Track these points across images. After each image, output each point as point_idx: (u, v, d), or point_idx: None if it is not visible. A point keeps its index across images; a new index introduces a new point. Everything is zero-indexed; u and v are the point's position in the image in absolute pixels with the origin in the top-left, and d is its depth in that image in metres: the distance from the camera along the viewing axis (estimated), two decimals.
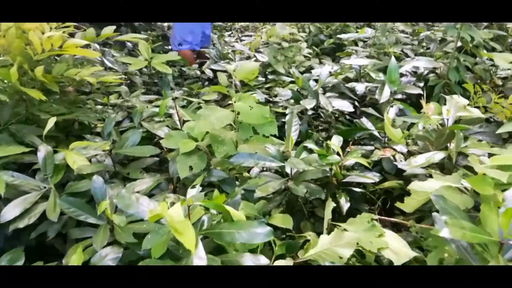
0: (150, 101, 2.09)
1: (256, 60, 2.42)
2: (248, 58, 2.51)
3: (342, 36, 2.53)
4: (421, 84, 1.81)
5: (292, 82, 2.13)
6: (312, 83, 1.86)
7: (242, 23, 4.63)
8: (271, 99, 1.96)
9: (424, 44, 2.46)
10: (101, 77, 1.93)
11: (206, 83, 2.72)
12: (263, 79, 2.26)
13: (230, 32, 4.42)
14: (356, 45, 2.60)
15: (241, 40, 3.84)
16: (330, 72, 1.88)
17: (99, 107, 2.02)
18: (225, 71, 2.24)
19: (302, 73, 2.41)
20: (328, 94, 1.77)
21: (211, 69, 2.69)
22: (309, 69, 2.56)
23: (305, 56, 2.64)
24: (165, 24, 4.05)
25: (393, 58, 1.66)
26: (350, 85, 1.81)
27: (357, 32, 3.12)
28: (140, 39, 2.16)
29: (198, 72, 2.78)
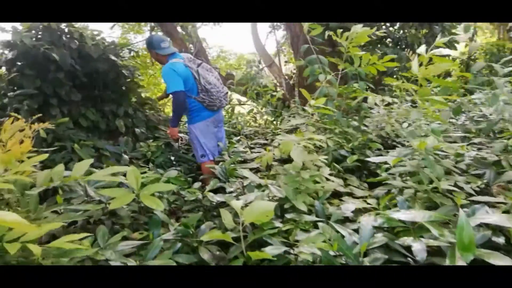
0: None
1: (271, 198, 1.98)
2: (259, 186, 2.08)
3: (373, 159, 2.12)
4: (501, 240, 1.31)
5: (316, 224, 1.65)
6: (348, 237, 1.38)
7: (250, 128, 4.36)
8: (291, 251, 1.47)
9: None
10: None
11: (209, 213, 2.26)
12: (279, 217, 1.79)
13: (237, 138, 4.11)
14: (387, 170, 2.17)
15: (250, 148, 3.48)
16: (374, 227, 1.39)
17: None
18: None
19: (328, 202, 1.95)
20: (373, 255, 1.27)
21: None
22: (334, 195, 2.11)
23: (327, 179, 2.20)
24: None
25: (461, 213, 1.19)
26: (402, 240, 1.32)
27: (384, 149, 2.73)
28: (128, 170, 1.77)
29: (200, 195, 2.32)
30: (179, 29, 8.72)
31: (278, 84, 8.35)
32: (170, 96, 3.57)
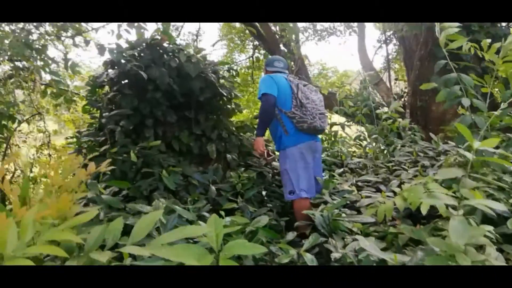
0: None
1: None
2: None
3: None
4: None
5: None
6: None
7: (357, 159, 3.73)
8: None
9: None
10: None
11: None
12: None
13: (340, 170, 3.52)
14: None
15: (357, 187, 2.88)
16: None
17: None
18: None
19: None
20: None
21: None
22: None
23: None
24: None
25: None
26: None
27: None
28: None
29: (295, 254, 1.83)
30: (281, 46, 8.52)
31: (385, 104, 7.52)
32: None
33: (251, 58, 11.53)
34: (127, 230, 1.32)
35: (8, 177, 9.33)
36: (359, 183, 2.99)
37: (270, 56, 3.42)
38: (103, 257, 0.99)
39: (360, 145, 4.38)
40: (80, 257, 1.06)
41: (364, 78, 8.17)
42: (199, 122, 3.38)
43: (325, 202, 2.51)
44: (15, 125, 9.07)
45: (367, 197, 2.59)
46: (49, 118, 11.00)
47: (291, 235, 2.08)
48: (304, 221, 2.30)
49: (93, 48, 10.71)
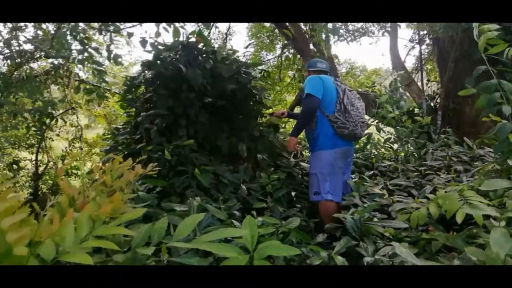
0: None
1: None
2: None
3: None
4: None
5: None
6: None
7: (387, 162, 3.69)
8: None
9: None
10: None
11: None
12: None
13: (370, 173, 3.50)
14: None
15: (389, 191, 2.86)
16: None
17: None
18: None
19: None
20: None
21: None
22: None
23: None
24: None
25: None
26: None
27: None
28: None
29: (326, 257, 1.85)
30: (311, 45, 8.48)
31: (417, 106, 7.35)
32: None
33: (279, 58, 11.54)
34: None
35: (41, 168, 9.80)
36: (390, 187, 2.97)
37: (312, 59, 3.43)
38: (149, 251, 1.06)
39: (391, 147, 4.32)
40: (127, 253, 1.14)
41: (395, 79, 8.01)
42: (231, 122, 3.45)
43: (355, 205, 2.51)
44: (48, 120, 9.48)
45: (398, 201, 2.57)
46: (80, 112, 11.42)
47: (321, 237, 2.10)
48: (332, 224, 2.32)
49: (124, 46, 11.01)
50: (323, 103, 2.81)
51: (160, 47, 3.39)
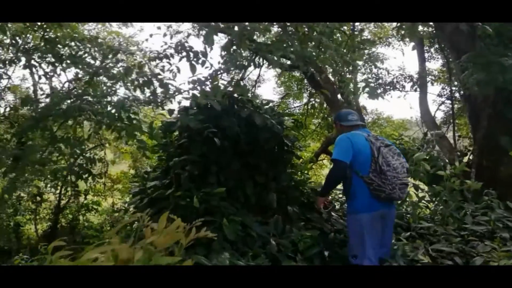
0: None
1: None
2: None
3: None
4: None
5: None
6: None
7: (426, 224, 3.47)
8: None
9: None
10: None
11: None
12: None
13: (407, 234, 3.28)
14: None
15: (431, 258, 2.65)
16: None
17: None
18: None
19: None
20: None
21: None
22: None
23: None
24: None
25: None
26: None
27: None
28: None
29: None
30: (339, 96, 8.52)
31: (448, 162, 7.11)
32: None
33: (305, 105, 11.64)
34: None
35: (63, 201, 9.88)
36: (432, 252, 2.76)
37: (341, 110, 3.35)
38: None
39: (427, 206, 4.11)
40: None
41: (425, 134, 7.85)
42: (262, 171, 3.37)
43: None
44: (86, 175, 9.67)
45: None
46: (107, 148, 11.64)
47: None
48: None
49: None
50: (356, 164, 2.64)
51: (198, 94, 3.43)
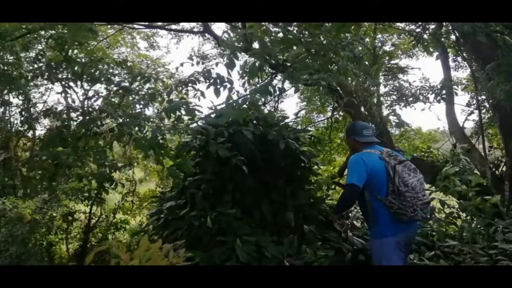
0: None
1: None
2: None
3: None
4: None
5: None
6: None
7: (451, 242, 3.30)
8: None
9: None
10: None
11: None
12: None
13: (431, 254, 3.13)
14: None
15: None
16: None
17: None
18: None
19: None
20: None
21: None
22: None
23: None
24: None
25: None
26: None
27: None
28: None
29: None
30: (362, 108, 8.37)
31: (479, 173, 6.78)
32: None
33: (329, 119, 11.52)
34: None
35: (93, 221, 10.14)
36: None
37: (356, 123, 3.25)
38: None
39: (455, 223, 3.91)
40: None
41: (454, 147, 7.56)
42: (278, 188, 3.34)
43: None
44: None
45: None
46: (136, 167, 11.92)
47: None
48: None
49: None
50: (373, 187, 2.50)
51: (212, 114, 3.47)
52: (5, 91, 7.89)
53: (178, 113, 3.82)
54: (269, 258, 2.70)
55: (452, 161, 5.60)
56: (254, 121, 3.45)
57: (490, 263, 2.77)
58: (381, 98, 8.55)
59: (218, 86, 3.62)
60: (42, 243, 9.46)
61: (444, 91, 7.75)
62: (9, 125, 8.36)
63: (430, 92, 7.71)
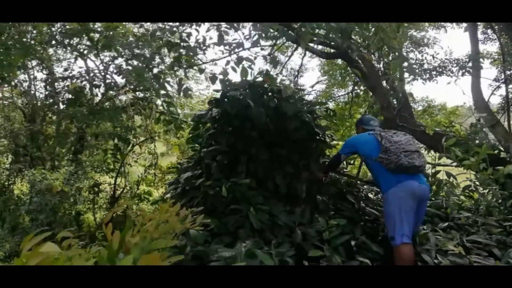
0: None
1: None
2: None
3: None
4: None
5: None
6: None
7: (465, 214, 3.29)
8: None
9: None
10: None
11: None
12: None
13: (444, 225, 3.14)
14: None
15: (466, 249, 2.52)
16: None
17: None
18: None
19: None
20: None
21: None
22: None
23: None
24: None
25: None
26: None
27: None
28: None
29: None
30: (384, 83, 8.18)
31: (503, 149, 6.60)
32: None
33: (350, 94, 11.34)
34: None
35: (118, 192, 10.55)
36: (467, 243, 2.62)
37: (365, 115, 3.89)
38: None
39: (471, 196, 3.87)
40: None
41: (478, 120, 7.35)
42: (292, 161, 3.38)
43: (425, 262, 2.25)
44: (129, 147, 10.29)
45: (475, 262, 2.25)
46: (159, 141, 12.22)
47: None
48: None
49: (203, 81, 11.68)
50: (368, 154, 3.03)
51: (227, 86, 3.50)
52: (29, 64, 8.10)
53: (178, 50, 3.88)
54: (281, 226, 2.78)
55: (472, 134, 5.47)
56: (269, 93, 3.46)
57: (504, 234, 2.77)
58: (404, 73, 8.32)
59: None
60: (71, 212, 9.95)
61: (470, 64, 7.47)
62: (35, 100, 8.64)
63: (455, 65, 7.42)
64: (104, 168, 10.17)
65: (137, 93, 8.35)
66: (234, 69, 3.79)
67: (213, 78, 3.66)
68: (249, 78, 3.62)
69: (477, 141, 4.52)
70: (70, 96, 5.90)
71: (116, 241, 1.23)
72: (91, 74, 5.76)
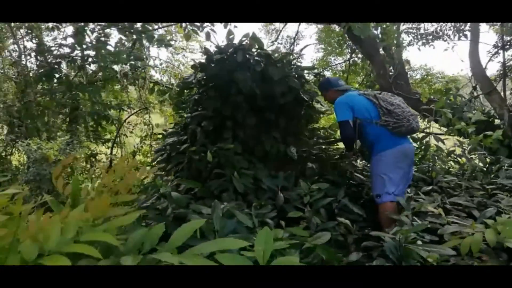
0: None
1: None
2: None
3: None
4: None
5: None
6: None
7: (450, 177, 3.31)
8: None
9: None
10: None
11: None
12: None
13: (428, 188, 3.17)
14: None
15: (445, 210, 2.55)
16: None
17: None
18: None
19: None
20: None
21: None
22: None
23: None
24: None
25: None
26: None
27: None
28: None
29: None
30: (380, 50, 8.02)
31: (497, 116, 6.57)
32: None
33: (347, 62, 11.17)
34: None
35: (114, 162, 10.62)
36: (448, 206, 2.65)
37: (327, 78, 3.55)
38: (131, 262, 1.02)
39: (459, 162, 3.89)
40: (114, 259, 1.11)
41: (474, 88, 7.27)
42: (279, 126, 3.36)
43: (402, 223, 2.28)
44: (125, 117, 10.23)
45: (453, 223, 2.28)
46: (155, 112, 12.18)
47: (355, 256, 1.93)
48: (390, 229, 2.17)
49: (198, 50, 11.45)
50: (363, 114, 2.89)
51: (212, 49, 3.44)
52: (18, 34, 7.90)
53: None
54: (265, 190, 2.80)
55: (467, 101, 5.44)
56: (256, 58, 3.39)
57: (486, 197, 2.80)
58: (401, 39, 8.13)
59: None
60: (69, 182, 10.07)
61: (468, 26, 7.30)
62: (26, 70, 8.51)
63: (453, 29, 7.26)
64: (98, 138, 10.17)
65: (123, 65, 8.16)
66: (213, 30, 3.68)
67: (208, 35, 3.58)
68: (235, 41, 3.55)
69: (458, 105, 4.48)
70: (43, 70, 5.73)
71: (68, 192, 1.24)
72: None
